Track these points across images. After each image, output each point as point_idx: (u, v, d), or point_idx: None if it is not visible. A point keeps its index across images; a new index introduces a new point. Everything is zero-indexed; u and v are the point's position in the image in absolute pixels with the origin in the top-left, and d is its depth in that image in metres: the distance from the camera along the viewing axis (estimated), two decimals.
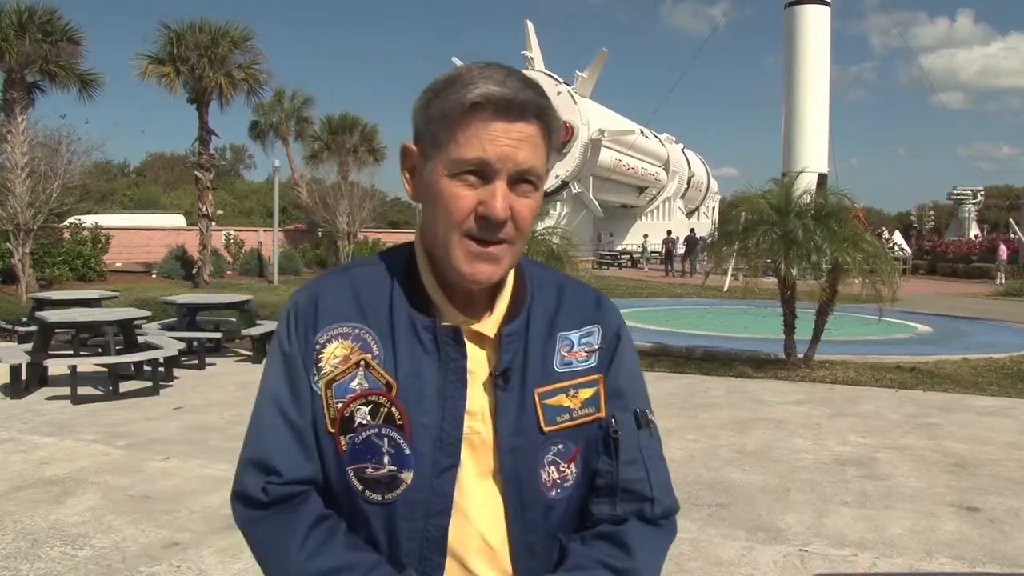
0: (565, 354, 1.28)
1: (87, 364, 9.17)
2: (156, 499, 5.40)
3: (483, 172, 1.15)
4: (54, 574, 4.27)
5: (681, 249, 37.00)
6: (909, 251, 38.60)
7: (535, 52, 44.66)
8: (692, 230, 39.79)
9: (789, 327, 11.06)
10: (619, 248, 45.74)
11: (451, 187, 1.16)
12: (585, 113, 42.42)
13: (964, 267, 37.34)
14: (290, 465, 1.20)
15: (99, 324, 9.75)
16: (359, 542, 1.20)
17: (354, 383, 1.20)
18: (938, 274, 37.45)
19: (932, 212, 74.35)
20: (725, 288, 21.65)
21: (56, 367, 9.13)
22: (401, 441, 1.18)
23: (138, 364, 9.49)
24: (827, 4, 33.67)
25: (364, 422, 1.19)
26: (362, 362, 1.20)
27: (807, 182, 12.60)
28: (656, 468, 1.32)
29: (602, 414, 1.29)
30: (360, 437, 1.19)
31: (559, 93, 42.14)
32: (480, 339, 1.25)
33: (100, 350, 10.06)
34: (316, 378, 1.21)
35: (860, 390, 9.85)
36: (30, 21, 19.81)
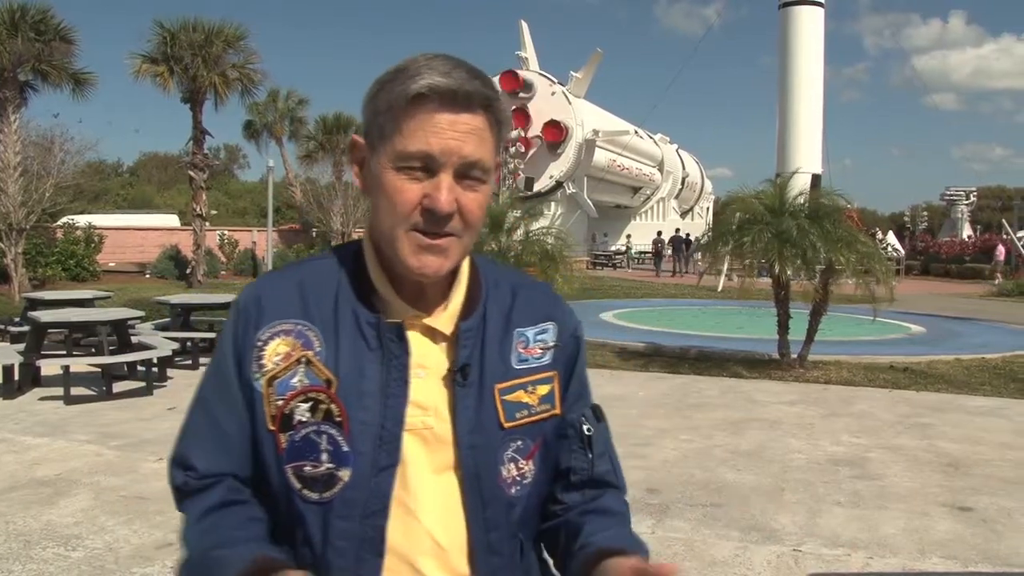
0: (522, 351, 1.28)
1: (80, 364, 9.13)
2: (149, 500, 5.39)
3: (428, 165, 1.14)
4: (47, 575, 4.26)
5: (668, 250, 37.19)
6: (902, 251, 38.65)
7: (529, 52, 44.55)
8: (677, 230, 39.91)
9: (783, 327, 11.07)
10: (613, 248, 45.72)
11: (396, 180, 1.15)
12: (579, 113, 42.35)
13: (957, 268, 37.40)
14: (207, 461, 1.23)
15: (92, 324, 9.72)
16: (251, 523, 1.20)
17: (295, 380, 1.19)
18: (931, 275, 37.47)
19: (925, 213, 74.42)
20: (719, 288, 21.67)
21: (49, 367, 9.09)
22: (340, 438, 1.17)
23: (132, 364, 9.46)
24: (821, 5, 33.72)
25: (303, 419, 1.17)
26: (303, 359, 1.19)
27: (802, 182, 12.63)
28: (615, 458, 1.39)
29: (557, 411, 1.30)
30: (299, 434, 1.17)
31: (553, 93, 42.10)
32: (432, 333, 1.24)
33: (93, 350, 10.02)
34: (257, 375, 1.20)
35: (853, 390, 9.88)
36: (22, 20, 19.80)
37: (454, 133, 1.13)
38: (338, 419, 1.17)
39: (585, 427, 1.34)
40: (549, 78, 42.84)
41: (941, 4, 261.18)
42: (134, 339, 10.01)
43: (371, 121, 1.19)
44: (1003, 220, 43.49)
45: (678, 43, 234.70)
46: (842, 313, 13.00)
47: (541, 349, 1.30)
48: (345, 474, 1.16)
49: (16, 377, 8.85)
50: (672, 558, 4.59)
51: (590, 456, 1.33)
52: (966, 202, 64.45)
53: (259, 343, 1.20)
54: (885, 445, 7.23)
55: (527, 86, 41.52)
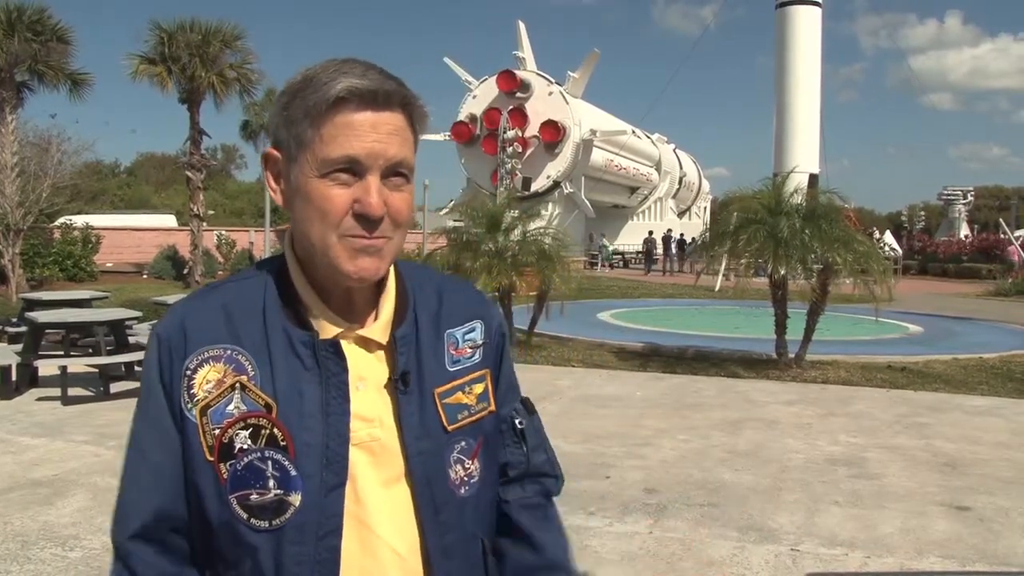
0: (453, 352, 1.28)
1: (78, 365, 9.12)
2: None
3: (354, 169, 1.12)
4: (45, 575, 4.26)
5: (660, 249, 37.70)
6: (900, 251, 38.68)
7: (527, 53, 44.57)
8: (669, 230, 40.20)
9: (781, 327, 11.08)
10: (611, 248, 45.77)
11: (323, 188, 1.12)
12: (577, 113, 42.38)
13: (955, 267, 37.45)
14: (147, 500, 1.19)
15: (90, 324, 9.72)
16: None
17: (230, 407, 1.15)
18: (929, 274, 37.53)
19: (923, 212, 74.41)
20: (717, 288, 21.68)
21: (46, 368, 9.08)
22: (286, 463, 1.14)
23: (129, 364, 9.46)
24: (818, 5, 33.76)
25: (245, 447, 1.14)
26: (237, 384, 1.16)
27: (797, 182, 12.65)
28: (550, 448, 1.44)
29: (492, 408, 1.31)
30: (242, 463, 1.14)
31: (551, 93, 42.12)
32: (367, 344, 1.22)
33: (91, 351, 10.03)
34: (189, 406, 1.16)
35: (851, 390, 9.88)
36: (19, 20, 19.75)
37: (377, 135, 1.12)
38: (283, 443, 1.14)
39: (517, 421, 1.38)
40: (546, 78, 42.87)
41: (938, 4, 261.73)
42: (131, 339, 10.01)
43: (285, 132, 1.16)
44: (1000, 220, 43.52)
45: (675, 43, 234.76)
46: (840, 313, 13.02)
47: (471, 348, 1.30)
48: (295, 499, 1.13)
49: (14, 378, 8.84)
50: (669, 558, 4.60)
51: (525, 449, 1.38)
52: (963, 202, 64.50)
53: (187, 372, 1.17)
54: (883, 445, 7.23)
55: (524, 86, 41.54)
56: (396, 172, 1.15)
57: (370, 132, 1.12)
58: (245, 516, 1.14)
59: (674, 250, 37.35)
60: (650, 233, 40.21)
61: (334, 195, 1.12)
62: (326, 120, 1.12)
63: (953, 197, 64.97)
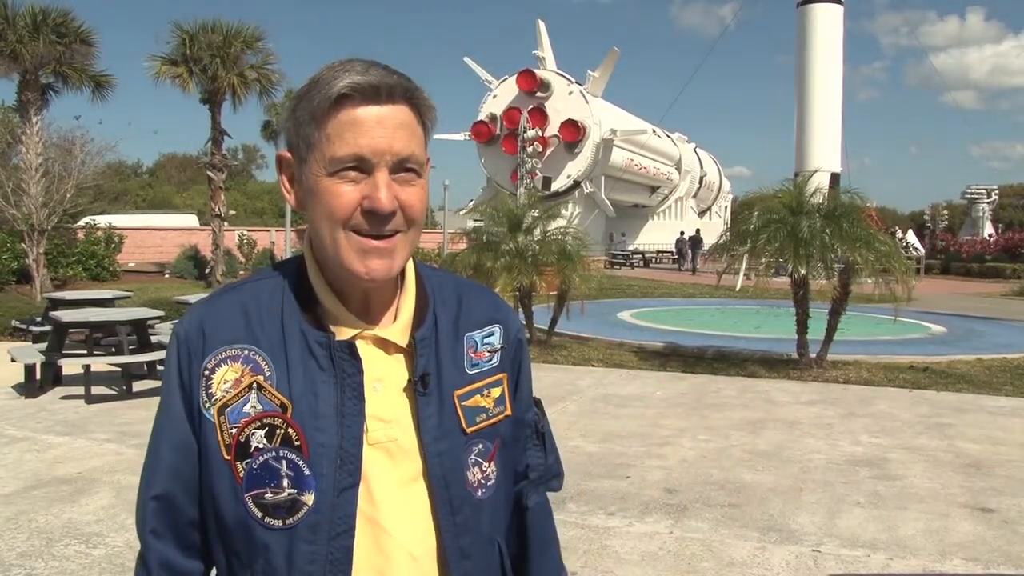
0: (472, 355, 1.29)
1: (101, 364, 9.22)
2: None
3: (361, 167, 1.12)
4: (68, 572, 4.30)
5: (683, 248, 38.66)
6: (923, 250, 38.38)
7: (547, 52, 44.55)
8: (697, 230, 40.56)
9: (802, 327, 11.01)
10: (631, 248, 45.73)
11: (331, 185, 1.13)
12: (597, 113, 42.30)
13: (978, 267, 37.11)
14: (164, 489, 1.22)
15: (112, 324, 9.80)
16: None
17: (247, 407, 1.16)
18: (952, 274, 37.23)
19: (946, 211, 73.64)
20: (738, 288, 21.59)
21: (70, 367, 9.19)
22: (300, 463, 1.15)
23: (151, 364, 9.53)
24: (840, 3, 33.50)
25: (260, 446, 1.15)
26: (254, 384, 1.17)
27: (819, 182, 12.57)
28: (557, 447, 1.46)
29: (509, 412, 1.31)
30: (257, 462, 1.15)
31: (571, 93, 42.07)
32: (385, 345, 1.23)
33: (113, 350, 10.11)
34: (208, 405, 1.17)
35: (873, 390, 9.81)
36: (44, 23, 19.93)
37: (382, 130, 1.12)
38: (297, 443, 1.15)
39: (540, 426, 1.41)
40: (567, 77, 42.82)
41: (959, 1, 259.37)
42: (153, 339, 10.09)
43: (294, 134, 1.18)
44: None
45: (695, 41, 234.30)
46: (862, 312, 12.92)
47: (489, 352, 1.31)
48: (308, 498, 1.14)
49: (38, 376, 8.94)
50: (690, 558, 4.58)
51: (544, 452, 1.41)
52: (987, 200, 63.80)
53: (206, 372, 1.18)
54: (905, 445, 7.18)
55: (544, 86, 41.53)
56: (405, 167, 1.15)
57: (375, 127, 1.12)
58: (260, 515, 1.15)
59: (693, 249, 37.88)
60: (682, 233, 40.72)
61: (342, 192, 1.13)
62: (330, 118, 1.12)
63: (977, 196, 64.27)
